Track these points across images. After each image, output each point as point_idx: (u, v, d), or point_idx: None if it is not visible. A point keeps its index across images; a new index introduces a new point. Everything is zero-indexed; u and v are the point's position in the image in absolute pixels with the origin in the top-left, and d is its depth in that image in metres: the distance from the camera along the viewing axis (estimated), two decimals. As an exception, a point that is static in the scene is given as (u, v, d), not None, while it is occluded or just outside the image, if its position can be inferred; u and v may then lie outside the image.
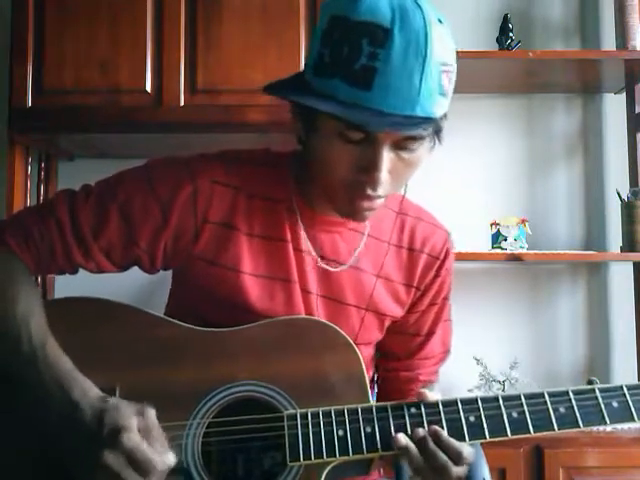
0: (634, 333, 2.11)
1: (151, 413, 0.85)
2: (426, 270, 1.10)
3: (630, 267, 2.15)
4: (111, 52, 1.88)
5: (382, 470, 1.14)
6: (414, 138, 0.89)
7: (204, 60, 1.88)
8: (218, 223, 1.00)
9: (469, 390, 2.03)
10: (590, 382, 0.96)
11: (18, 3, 1.90)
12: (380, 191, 0.92)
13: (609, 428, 1.81)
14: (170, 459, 0.84)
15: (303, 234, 1.04)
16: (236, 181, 1.02)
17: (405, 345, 1.15)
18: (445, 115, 0.91)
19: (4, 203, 1.92)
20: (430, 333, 1.15)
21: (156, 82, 1.89)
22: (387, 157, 0.89)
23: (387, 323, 1.11)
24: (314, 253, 1.04)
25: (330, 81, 0.86)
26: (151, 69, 1.88)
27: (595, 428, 1.79)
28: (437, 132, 0.93)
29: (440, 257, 1.11)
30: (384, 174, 0.89)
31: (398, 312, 1.11)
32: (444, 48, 0.87)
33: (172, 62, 1.88)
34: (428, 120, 0.87)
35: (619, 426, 1.82)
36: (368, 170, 0.89)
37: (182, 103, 1.88)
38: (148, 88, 1.88)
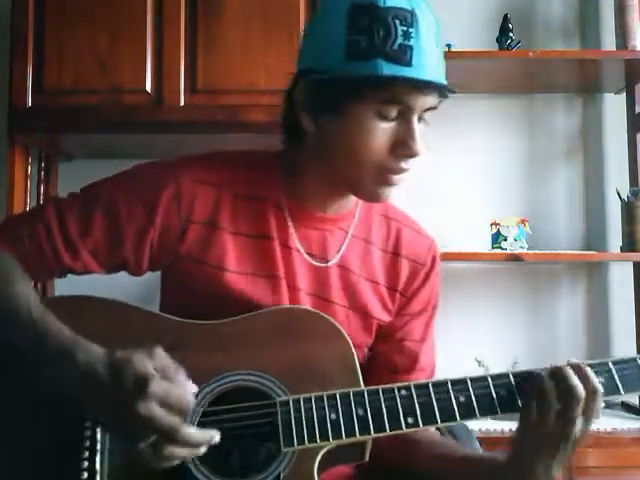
0: (634, 333, 2.11)
1: (160, 352, 0.86)
2: (412, 276, 1.12)
3: (630, 267, 2.15)
4: (111, 52, 1.88)
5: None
6: (430, 109, 0.97)
7: (204, 60, 1.88)
8: (202, 222, 1.02)
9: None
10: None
11: (18, 3, 1.90)
12: (412, 163, 0.98)
13: (609, 428, 1.81)
14: (194, 388, 0.87)
15: (292, 231, 1.05)
16: (218, 179, 1.04)
17: (394, 354, 1.13)
18: None
19: (4, 203, 1.91)
20: (421, 340, 1.13)
21: (156, 82, 1.88)
22: (418, 128, 0.96)
23: (374, 326, 1.11)
24: (303, 250, 1.06)
25: (370, 62, 0.92)
26: (151, 69, 1.88)
27: (595, 428, 1.80)
28: None
29: (427, 263, 1.13)
30: (420, 144, 0.95)
31: (383, 315, 1.11)
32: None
33: (172, 62, 1.88)
34: (446, 86, 0.97)
35: (619, 426, 1.82)
36: (405, 143, 0.95)
37: (182, 103, 1.88)
38: (148, 88, 1.88)
